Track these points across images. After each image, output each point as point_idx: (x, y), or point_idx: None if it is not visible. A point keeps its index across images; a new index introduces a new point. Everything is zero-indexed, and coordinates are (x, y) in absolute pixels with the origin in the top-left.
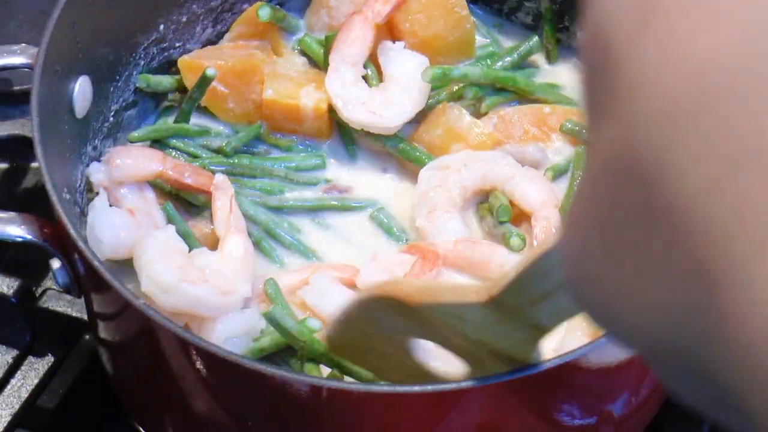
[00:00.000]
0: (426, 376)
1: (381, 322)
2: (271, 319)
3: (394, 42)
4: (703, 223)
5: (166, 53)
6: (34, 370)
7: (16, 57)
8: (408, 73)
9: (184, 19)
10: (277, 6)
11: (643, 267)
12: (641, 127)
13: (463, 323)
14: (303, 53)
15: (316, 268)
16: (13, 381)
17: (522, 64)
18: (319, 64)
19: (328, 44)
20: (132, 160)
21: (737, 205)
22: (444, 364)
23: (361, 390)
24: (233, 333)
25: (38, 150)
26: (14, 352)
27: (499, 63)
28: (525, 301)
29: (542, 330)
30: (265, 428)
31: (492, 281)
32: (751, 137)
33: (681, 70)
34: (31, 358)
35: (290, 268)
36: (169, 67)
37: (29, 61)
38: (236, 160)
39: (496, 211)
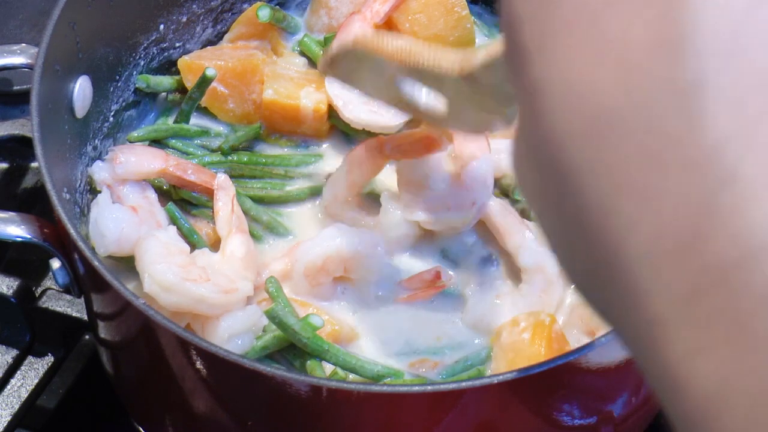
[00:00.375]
0: (410, 108)
1: (373, 59)
2: (273, 316)
3: None
4: (597, 200)
5: (166, 53)
6: (34, 370)
7: (16, 57)
8: None
9: (184, 19)
10: (277, 6)
11: (547, 207)
12: (543, 130)
13: (441, 84)
14: (303, 53)
15: (298, 244)
16: (13, 381)
17: None
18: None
19: (327, 45)
20: (135, 158)
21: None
22: (429, 101)
23: (361, 390)
24: (237, 331)
25: (38, 150)
26: (14, 352)
27: None
28: (497, 82)
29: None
30: (265, 428)
31: (463, 54)
32: (627, 163)
33: (570, 91)
34: (31, 358)
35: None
36: (169, 67)
37: (29, 61)
38: (235, 158)
39: (512, 191)
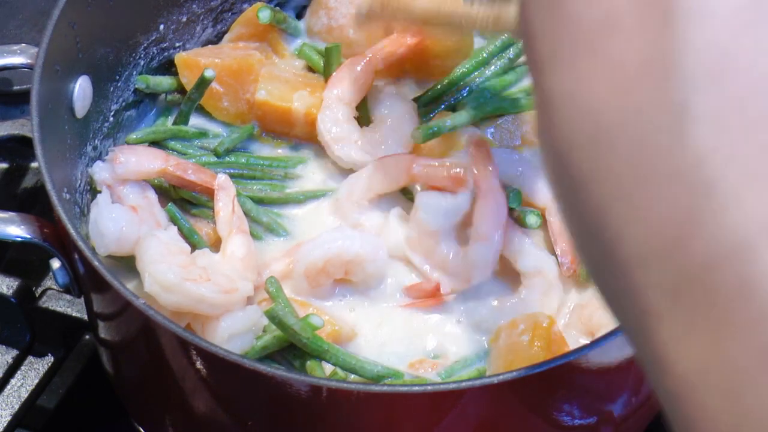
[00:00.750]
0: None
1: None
2: (273, 317)
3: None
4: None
5: (166, 53)
6: (34, 370)
7: (16, 57)
8: (398, 116)
9: (184, 19)
10: (277, 8)
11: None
12: (553, 138)
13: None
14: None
15: (300, 245)
16: (13, 381)
17: (517, 64)
18: (318, 71)
19: (328, 55)
20: (136, 158)
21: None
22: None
23: (361, 390)
24: (236, 331)
25: (38, 150)
26: (14, 352)
27: (491, 68)
28: None
29: None
30: (265, 428)
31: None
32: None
33: (573, 105)
34: (31, 358)
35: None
36: (169, 67)
37: (29, 61)
38: (233, 159)
39: (508, 197)
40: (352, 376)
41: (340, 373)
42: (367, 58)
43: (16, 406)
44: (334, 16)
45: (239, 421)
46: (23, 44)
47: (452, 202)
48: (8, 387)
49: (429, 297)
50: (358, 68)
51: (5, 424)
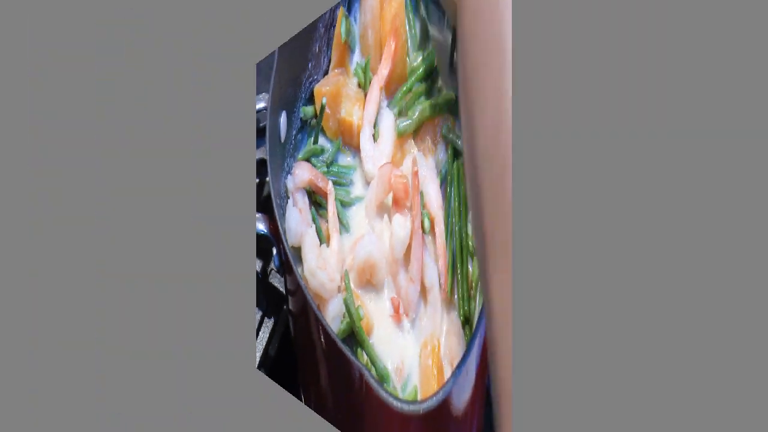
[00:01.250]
0: None
1: None
2: (346, 305)
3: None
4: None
5: (310, 86)
6: (267, 327)
7: (261, 103)
8: (385, 130)
9: (317, 50)
10: (347, 13)
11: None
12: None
13: None
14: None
15: (355, 243)
16: (260, 334)
17: None
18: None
19: (365, 70)
20: (300, 171)
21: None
22: None
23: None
24: (335, 315)
25: (269, 168)
26: (259, 313)
27: None
28: None
29: None
30: (343, 410)
31: None
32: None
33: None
34: (266, 319)
35: None
36: (310, 97)
37: (266, 104)
38: (332, 169)
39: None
40: (374, 370)
41: (369, 364)
42: (375, 77)
43: (261, 351)
44: (361, 19)
45: (337, 397)
46: (264, 93)
47: (402, 232)
48: (258, 338)
49: (396, 313)
50: (375, 86)
51: (257, 363)
